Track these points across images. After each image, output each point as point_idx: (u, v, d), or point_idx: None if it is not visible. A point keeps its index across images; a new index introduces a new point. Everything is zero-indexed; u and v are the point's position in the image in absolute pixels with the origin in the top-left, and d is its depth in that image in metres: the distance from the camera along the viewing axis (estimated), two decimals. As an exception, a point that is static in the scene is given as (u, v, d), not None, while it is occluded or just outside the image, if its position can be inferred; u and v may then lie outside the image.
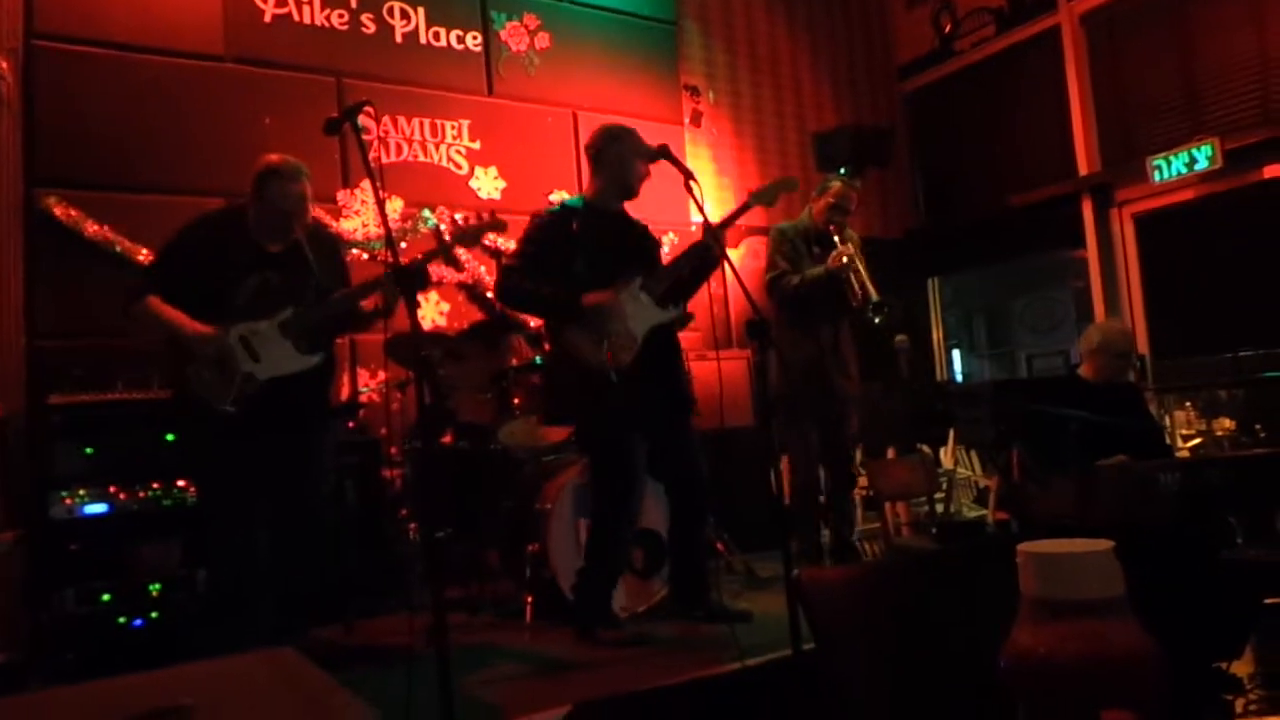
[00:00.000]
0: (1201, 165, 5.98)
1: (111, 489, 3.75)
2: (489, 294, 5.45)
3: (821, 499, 4.61)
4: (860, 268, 4.15)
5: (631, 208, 3.81)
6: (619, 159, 3.65)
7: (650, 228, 3.89)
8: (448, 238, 3.38)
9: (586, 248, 3.55)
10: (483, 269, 5.47)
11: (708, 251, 3.60)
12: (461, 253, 5.42)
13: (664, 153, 3.48)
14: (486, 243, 5.52)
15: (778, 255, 4.38)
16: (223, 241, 3.26)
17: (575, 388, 3.54)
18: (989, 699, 1.10)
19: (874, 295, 4.09)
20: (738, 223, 6.64)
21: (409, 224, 5.26)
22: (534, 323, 4.94)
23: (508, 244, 5.55)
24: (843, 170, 4.53)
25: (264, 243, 3.29)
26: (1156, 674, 0.92)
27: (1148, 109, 6.58)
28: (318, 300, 3.28)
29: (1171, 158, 6.14)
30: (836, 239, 4.29)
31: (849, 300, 4.34)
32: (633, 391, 3.45)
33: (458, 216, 5.40)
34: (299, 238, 3.36)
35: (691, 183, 3.42)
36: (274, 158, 3.31)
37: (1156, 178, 6.23)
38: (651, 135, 4.37)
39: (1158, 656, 0.92)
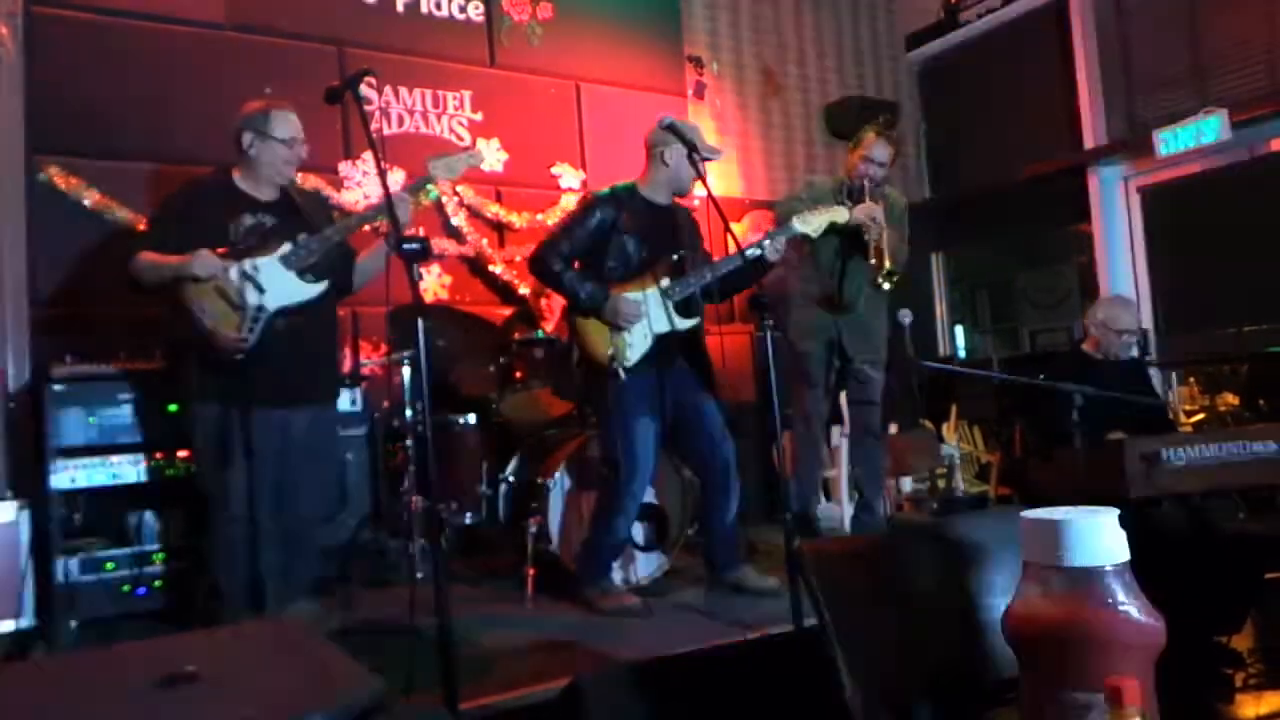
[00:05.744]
0: (1209, 138, 5.92)
1: (114, 459, 3.75)
2: (491, 267, 5.43)
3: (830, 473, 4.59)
4: (883, 233, 4.01)
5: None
6: (672, 158, 3.62)
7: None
8: (430, 170, 3.34)
9: (623, 240, 3.59)
10: (484, 241, 5.44)
11: (742, 270, 3.53)
12: (463, 225, 5.39)
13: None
14: (489, 215, 5.49)
15: (799, 194, 4.26)
16: (213, 196, 3.29)
17: (586, 370, 3.63)
18: (991, 668, 1.10)
19: (888, 264, 4.00)
20: (743, 197, 6.67)
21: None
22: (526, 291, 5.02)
23: (509, 216, 5.54)
24: (880, 119, 4.34)
25: (254, 193, 3.33)
26: (1157, 643, 0.92)
27: (1155, 81, 6.52)
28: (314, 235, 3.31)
29: (1179, 130, 6.09)
30: (867, 197, 4.12)
31: (867, 265, 4.16)
32: (642, 379, 3.52)
33: (460, 188, 5.38)
34: (286, 188, 3.42)
35: (694, 156, 3.41)
36: (259, 101, 3.38)
37: (1163, 150, 6.17)
38: (654, 107, 4.34)
39: (1159, 626, 0.92)
